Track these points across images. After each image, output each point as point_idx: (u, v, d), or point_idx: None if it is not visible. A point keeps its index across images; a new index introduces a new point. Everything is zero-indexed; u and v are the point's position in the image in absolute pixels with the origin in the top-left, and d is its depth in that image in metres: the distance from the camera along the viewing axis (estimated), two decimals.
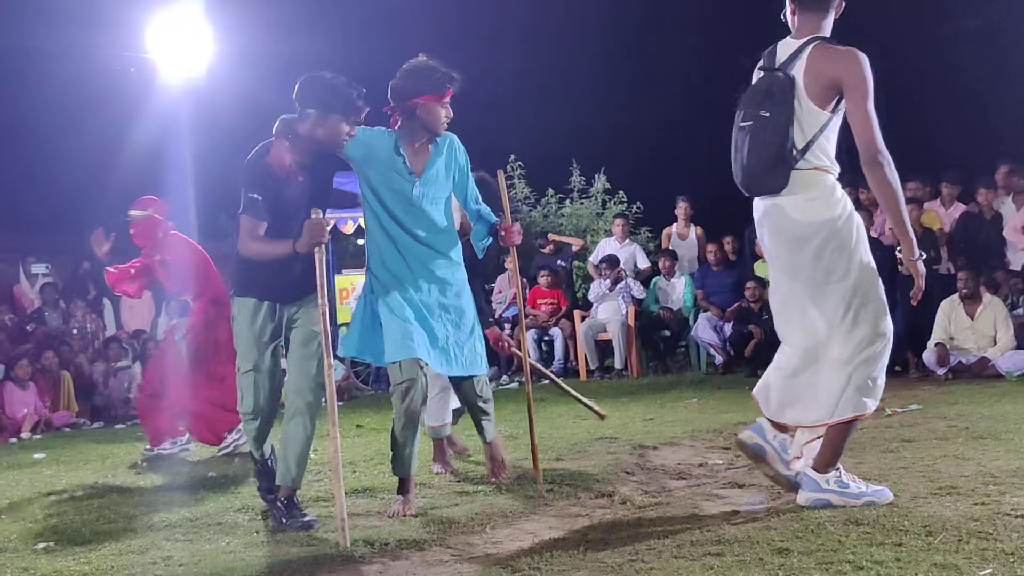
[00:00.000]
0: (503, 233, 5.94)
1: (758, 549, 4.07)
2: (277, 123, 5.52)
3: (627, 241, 15.30)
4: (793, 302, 5.12)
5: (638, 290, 14.26)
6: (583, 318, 14.34)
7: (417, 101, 5.47)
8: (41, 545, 5.10)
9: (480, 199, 6.03)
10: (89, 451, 9.70)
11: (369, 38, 21.19)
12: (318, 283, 5.06)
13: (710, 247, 14.18)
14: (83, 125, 19.05)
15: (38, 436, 11.77)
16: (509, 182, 19.03)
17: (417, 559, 4.48)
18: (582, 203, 18.58)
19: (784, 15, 5.14)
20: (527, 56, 22.30)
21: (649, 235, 17.44)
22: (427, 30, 21.46)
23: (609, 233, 16.02)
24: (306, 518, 5.28)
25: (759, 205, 5.15)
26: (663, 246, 15.07)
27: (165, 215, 8.70)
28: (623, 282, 14.20)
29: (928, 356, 11.44)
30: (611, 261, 14.32)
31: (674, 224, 15.11)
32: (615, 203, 18.50)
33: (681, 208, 14.99)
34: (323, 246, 5.10)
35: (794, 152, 4.90)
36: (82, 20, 17.36)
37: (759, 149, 4.95)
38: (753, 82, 5.10)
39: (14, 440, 11.51)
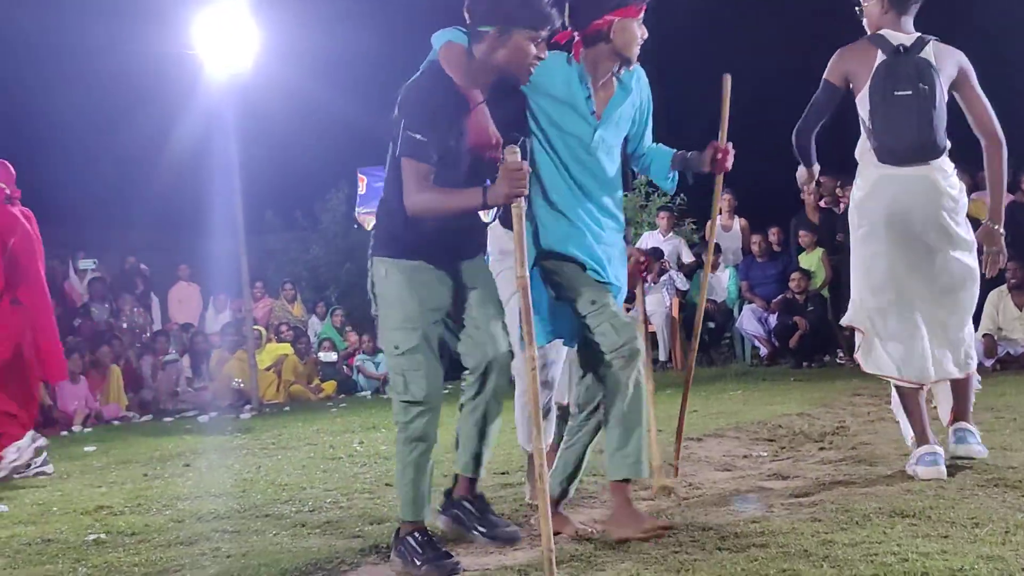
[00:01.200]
0: (719, 156, 4.92)
1: (803, 540, 4.05)
2: (440, 46, 4.37)
3: (671, 234, 15.26)
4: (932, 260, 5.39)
5: (681, 282, 14.23)
6: (627, 311, 14.29)
7: (611, 18, 4.47)
8: (92, 537, 5.15)
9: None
10: (138, 444, 9.81)
11: (414, 33, 21.24)
12: (516, 248, 4.01)
13: (754, 238, 14.11)
14: (129, 121, 19.20)
15: (88, 429, 11.93)
16: None
17: (461, 549, 4.48)
18: (626, 195, 18.53)
19: (858, 11, 5.61)
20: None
21: (693, 227, 17.40)
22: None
23: (653, 226, 15.98)
24: (509, 528, 4.47)
25: (909, 173, 5.35)
26: (707, 238, 15.02)
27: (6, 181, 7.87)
28: (667, 274, 14.17)
29: (976, 347, 11.33)
30: (655, 254, 14.30)
31: (718, 216, 15.02)
32: (659, 195, 18.45)
33: (725, 200, 14.91)
34: (524, 198, 4.06)
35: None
36: (127, 16, 17.54)
37: (933, 113, 5.26)
38: (877, 65, 5.35)
39: (65, 433, 11.66)
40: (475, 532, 4.40)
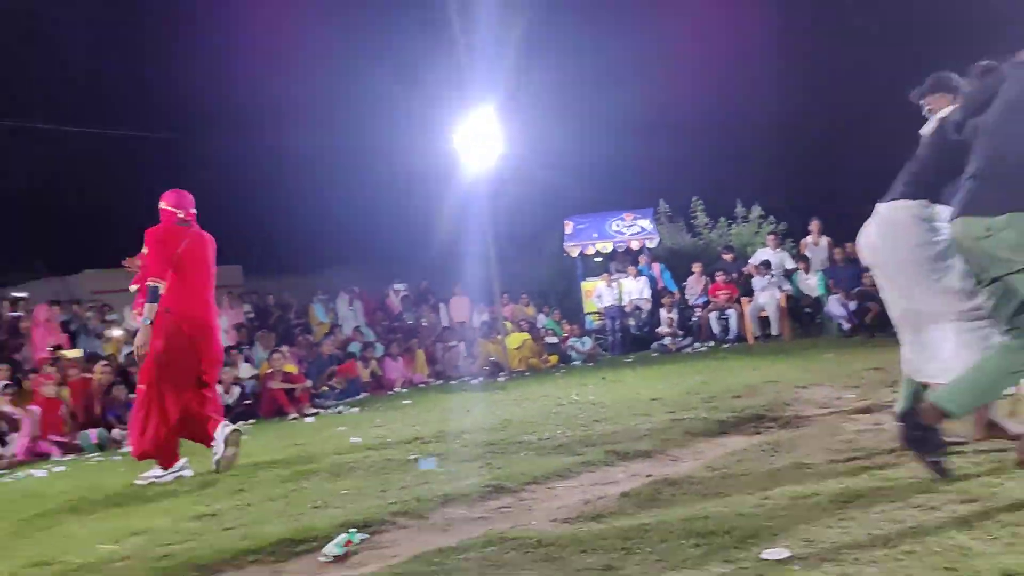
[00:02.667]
0: None
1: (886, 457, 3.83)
2: None
3: (778, 249, 14.73)
4: None
5: (785, 282, 13.74)
6: (749, 302, 13.90)
7: None
8: (412, 456, 5.30)
9: None
10: (439, 399, 10.08)
11: (609, 133, 21.14)
12: None
13: (836, 250, 13.47)
14: (421, 191, 19.85)
15: (404, 390, 12.32)
16: (693, 214, 18.74)
17: (648, 463, 4.44)
18: (744, 225, 18.10)
19: None
20: (704, 105, 21.52)
21: (792, 244, 16.77)
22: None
23: (764, 245, 15.49)
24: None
25: None
26: (800, 252, 14.42)
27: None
28: (774, 277, 13.73)
29: None
30: (766, 264, 13.84)
31: (808, 236, 14.41)
32: (767, 224, 17.94)
33: (814, 225, 14.27)
34: None
35: None
36: (402, 124, 18.15)
37: None
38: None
39: (390, 393, 12.10)
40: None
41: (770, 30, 20.45)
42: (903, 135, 4.33)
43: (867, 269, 12.25)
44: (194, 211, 5.97)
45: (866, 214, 3.87)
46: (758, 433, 4.98)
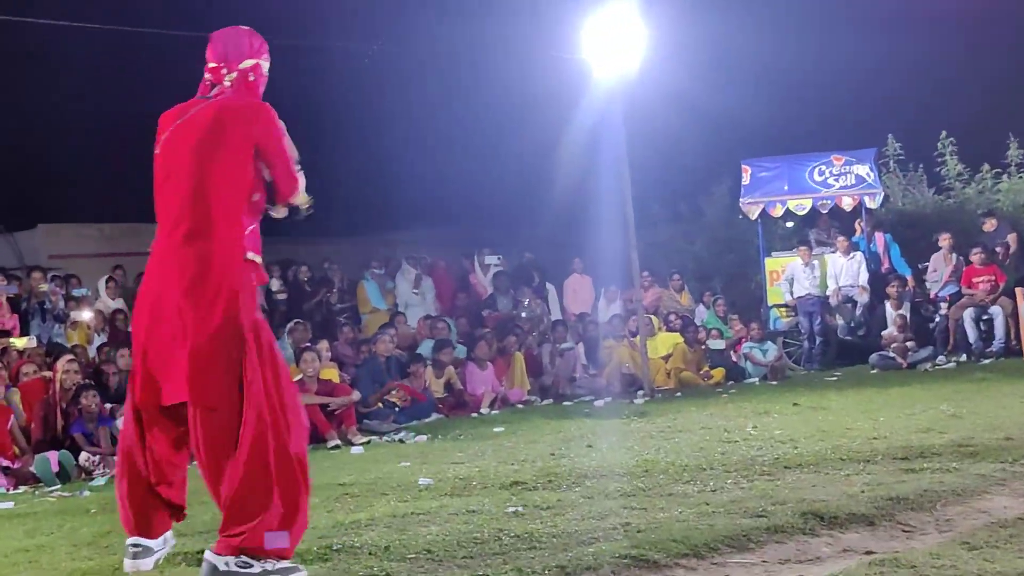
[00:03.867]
0: None
1: None
2: None
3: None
4: None
5: None
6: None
7: None
8: (511, 509, 5.38)
9: None
10: (543, 425, 10.16)
11: (793, 27, 20.93)
12: None
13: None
14: (523, 125, 19.91)
15: (496, 411, 12.43)
16: (940, 159, 18.25)
17: (867, 533, 4.40)
18: (1021, 178, 17.48)
19: None
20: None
21: None
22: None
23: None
24: None
25: None
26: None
27: None
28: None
29: None
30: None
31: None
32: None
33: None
34: None
35: None
36: (520, 24, 18.17)
37: None
38: None
39: (475, 415, 12.23)
40: None
41: None
42: None
43: None
44: None
45: None
46: None
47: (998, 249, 14.40)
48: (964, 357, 13.75)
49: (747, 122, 19.28)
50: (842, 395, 10.66)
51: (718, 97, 18.85)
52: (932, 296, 14.83)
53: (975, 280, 14.14)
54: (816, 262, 15.51)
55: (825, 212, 16.47)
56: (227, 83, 4.67)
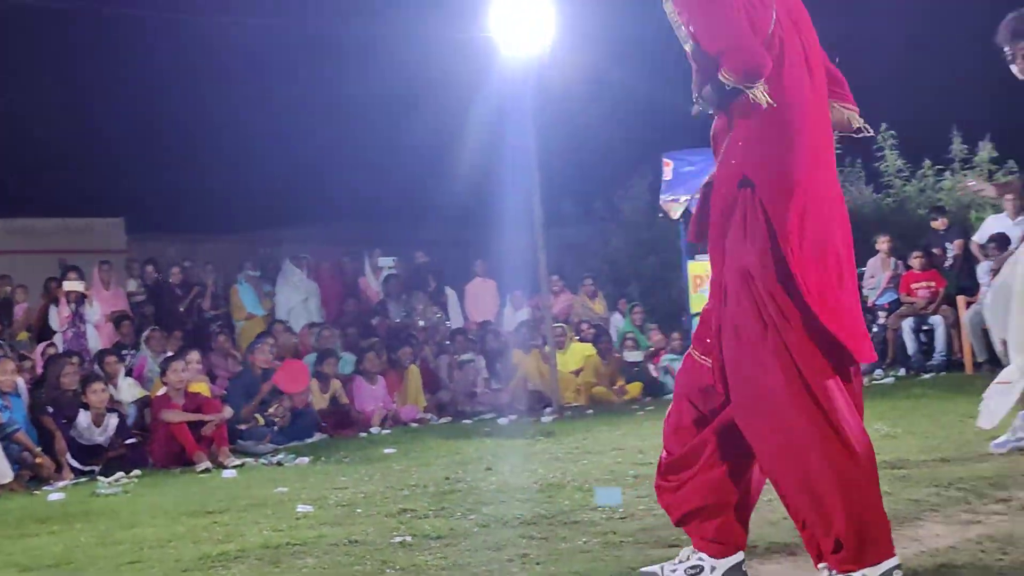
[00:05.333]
0: None
1: None
2: None
3: (1020, 218, 14.51)
4: None
5: None
6: (968, 304, 13.78)
7: None
8: (398, 539, 5.36)
9: None
10: (438, 446, 10.15)
11: None
12: None
13: None
14: (422, 112, 19.89)
15: (387, 430, 12.39)
16: (879, 153, 18.58)
17: (788, 563, 4.45)
18: (964, 175, 17.89)
19: None
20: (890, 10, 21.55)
21: None
22: None
23: (998, 209, 15.26)
24: None
25: None
26: None
27: None
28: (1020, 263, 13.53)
29: None
30: (1001, 241, 13.61)
31: None
32: (1003, 174, 17.64)
33: None
34: None
35: None
36: (417, 4, 18.15)
37: None
38: None
39: (364, 434, 12.18)
40: None
41: None
42: None
43: None
44: None
45: None
46: (975, 523, 4.94)
47: (935, 251, 14.63)
48: (903, 371, 14.01)
49: (670, 111, 19.35)
50: None
51: (638, 83, 18.94)
52: (870, 304, 15.04)
53: (914, 287, 14.41)
54: None
55: None
56: None
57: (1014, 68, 5.60)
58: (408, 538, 5.39)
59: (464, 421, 12.99)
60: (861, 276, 15.36)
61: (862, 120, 4.32)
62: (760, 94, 3.80)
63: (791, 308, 3.79)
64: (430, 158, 20.21)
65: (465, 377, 14.25)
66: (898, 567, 3.80)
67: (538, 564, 4.65)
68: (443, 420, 13.30)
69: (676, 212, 16.72)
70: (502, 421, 12.50)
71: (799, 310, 3.78)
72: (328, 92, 21.37)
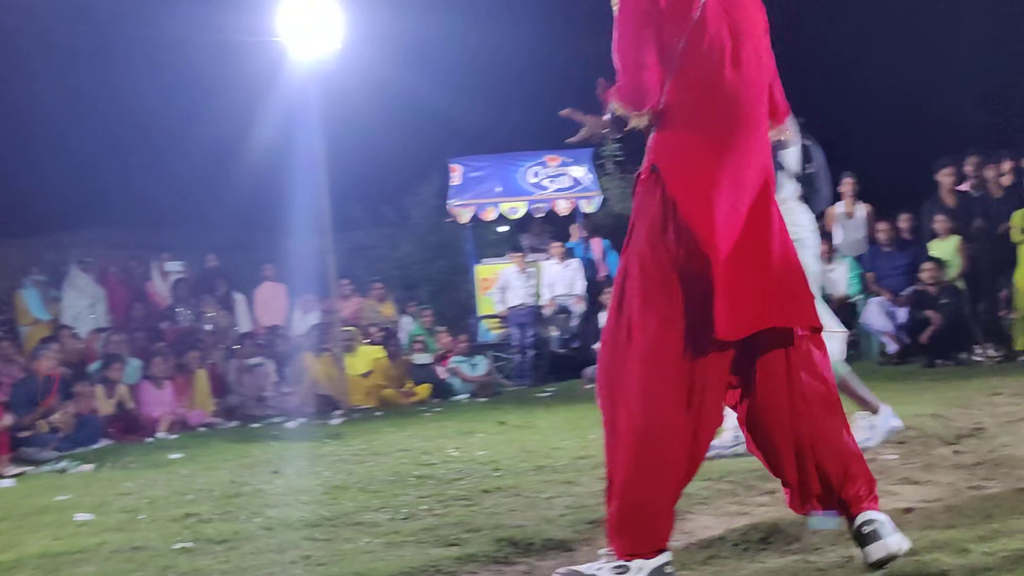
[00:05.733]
0: None
1: (937, 552, 3.99)
2: None
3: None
4: None
5: None
6: None
7: None
8: (179, 545, 5.28)
9: None
10: (225, 450, 10.03)
11: (505, 18, 21.36)
12: None
13: (881, 226, 13.83)
14: (209, 114, 19.60)
15: (174, 436, 12.17)
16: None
17: (565, 559, 4.52)
18: None
19: None
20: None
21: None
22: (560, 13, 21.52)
23: None
24: None
25: None
26: (825, 228, 14.66)
27: None
28: None
29: None
30: None
31: (837, 202, 14.65)
32: None
33: (847, 184, 14.45)
34: None
35: None
36: (204, 4, 17.83)
37: None
38: None
39: (150, 440, 11.94)
40: None
41: None
42: None
43: (928, 257, 12.83)
44: None
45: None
46: (743, 515, 5.10)
47: None
48: None
49: (458, 117, 19.54)
50: (551, 412, 10.94)
51: (426, 89, 19.04)
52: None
53: None
54: (531, 269, 15.76)
55: (541, 217, 16.79)
56: None
57: None
58: (191, 543, 5.31)
59: (253, 425, 12.83)
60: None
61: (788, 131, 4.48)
62: (637, 121, 3.96)
63: (668, 287, 3.86)
64: (218, 162, 19.94)
65: (254, 381, 14.06)
66: (669, 563, 3.89)
67: (320, 565, 4.64)
68: (231, 424, 13.11)
69: (464, 217, 16.85)
70: (290, 424, 12.39)
71: (681, 287, 3.86)
72: (114, 94, 20.83)
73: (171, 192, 20.70)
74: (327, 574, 4.47)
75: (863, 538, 3.88)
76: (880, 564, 3.86)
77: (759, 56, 4.12)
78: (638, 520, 3.88)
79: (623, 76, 4.00)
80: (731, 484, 5.75)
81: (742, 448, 5.05)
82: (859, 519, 3.91)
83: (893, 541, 3.84)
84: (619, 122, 4.08)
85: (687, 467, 3.92)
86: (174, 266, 16.97)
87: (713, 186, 3.89)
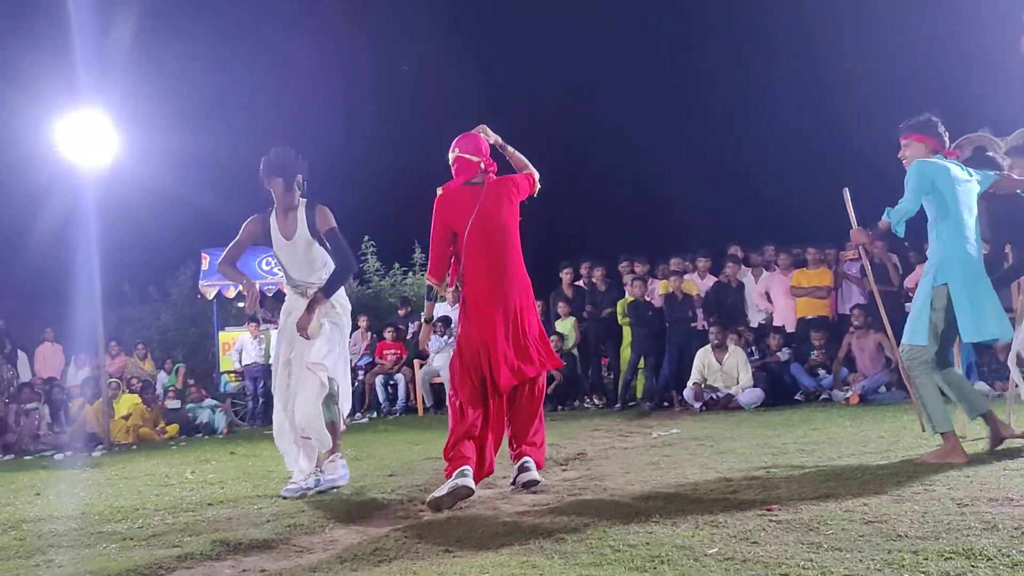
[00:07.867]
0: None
1: (540, 539, 4.00)
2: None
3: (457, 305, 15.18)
4: None
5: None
6: (421, 366, 14.21)
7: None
8: None
9: None
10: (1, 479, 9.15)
11: (252, 132, 20.93)
12: None
13: None
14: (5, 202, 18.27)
15: None
16: (364, 257, 18.94)
17: (266, 555, 4.30)
18: (421, 275, 18.60)
19: None
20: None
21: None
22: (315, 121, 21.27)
23: (443, 299, 15.93)
24: None
25: None
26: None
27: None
28: (452, 338, 14.15)
29: (687, 393, 11.65)
30: (445, 321, 14.17)
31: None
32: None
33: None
34: None
35: None
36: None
37: None
38: None
39: None
40: None
41: None
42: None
43: (554, 331, 13.17)
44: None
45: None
46: (406, 518, 5.00)
47: (400, 327, 15.11)
48: (374, 414, 14.22)
49: (208, 214, 18.90)
50: (274, 445, 10.56)
51: (185, 192, 18.48)
52: (352, 365, 15.15)
53: (386, 353, 14.74)
54: (262, 336, 15.41)
55: (271, 295, 16.46)
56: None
57: None
58: None
59: (26, 457, 11.79)
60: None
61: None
62: (440, 291, 5.84)
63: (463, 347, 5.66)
64: (9, 243, 18.63)
65: (30, 422, 12.97)
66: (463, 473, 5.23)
67: (60, 567, 4.24)
68: (7, 457, 12.00)
69: (211, 294, 16.39)
70: (58, 456, 11.48)
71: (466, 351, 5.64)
72: None
73: None
74: (64, 574, 4.06)
75: (521, 468, 5.57)
76: (527, 485, 5.47)
77: (499, 209, 5.75)
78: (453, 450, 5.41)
79: (431, 264, 5.72)
80: (399, 496, 5.68)
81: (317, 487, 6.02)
82: (522, 460, 5.60)
83: (537, 474, 5.54)
84: (429, 288, 5.95)
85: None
86: None
87: (468, 304, 5.72)
